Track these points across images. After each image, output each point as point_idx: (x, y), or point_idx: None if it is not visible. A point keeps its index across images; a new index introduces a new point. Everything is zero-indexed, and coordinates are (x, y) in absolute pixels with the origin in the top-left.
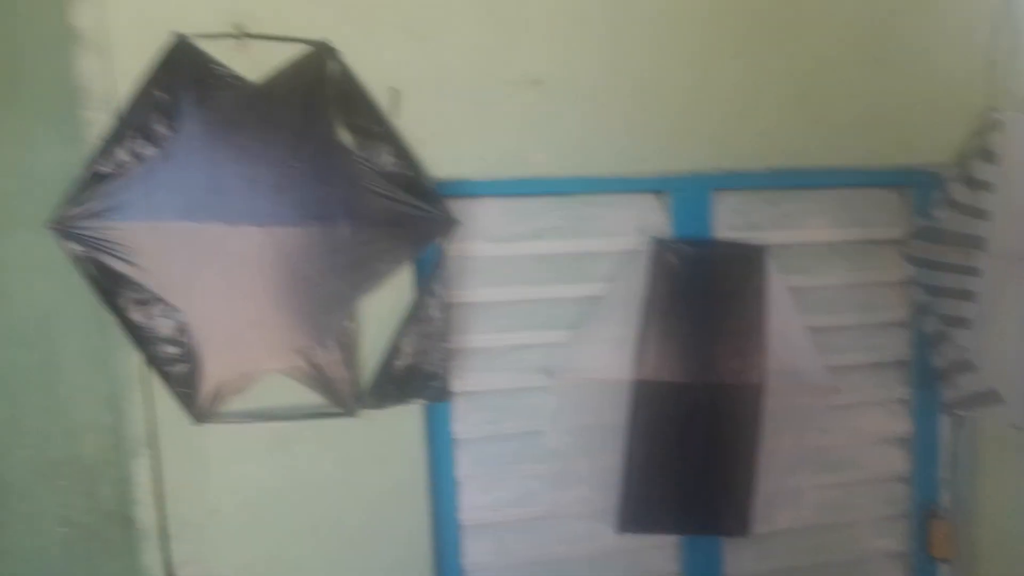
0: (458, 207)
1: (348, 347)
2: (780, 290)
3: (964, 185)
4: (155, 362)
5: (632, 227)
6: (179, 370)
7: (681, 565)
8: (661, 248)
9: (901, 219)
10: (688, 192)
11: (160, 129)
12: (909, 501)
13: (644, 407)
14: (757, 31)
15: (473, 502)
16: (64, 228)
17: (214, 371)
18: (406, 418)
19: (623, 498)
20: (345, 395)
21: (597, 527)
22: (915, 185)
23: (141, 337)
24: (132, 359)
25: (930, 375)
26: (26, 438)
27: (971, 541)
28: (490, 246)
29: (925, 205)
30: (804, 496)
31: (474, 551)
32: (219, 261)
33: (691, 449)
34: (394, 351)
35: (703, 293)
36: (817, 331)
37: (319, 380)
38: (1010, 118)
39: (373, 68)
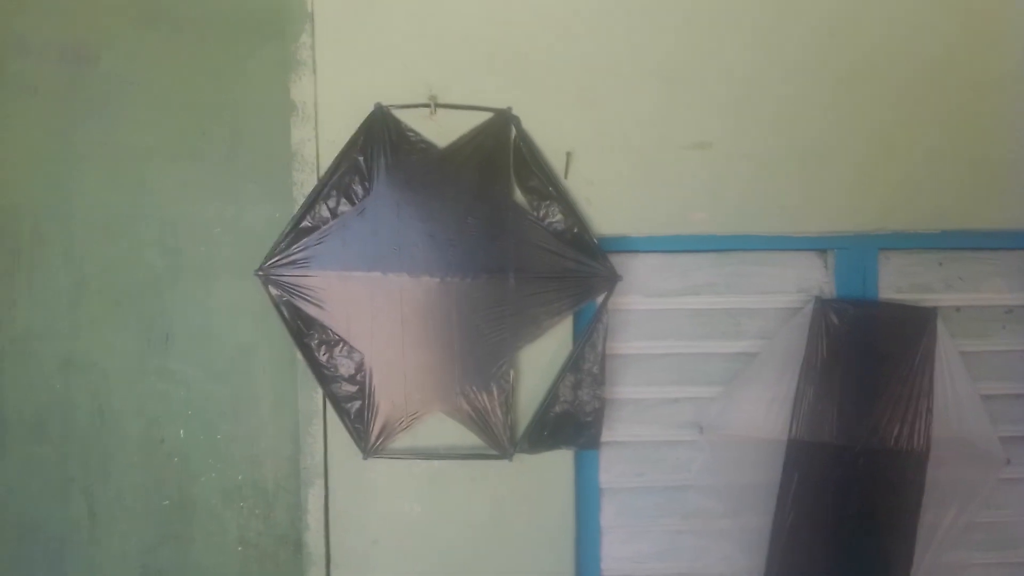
0: (617, 262)
1: (508, 393)
2: (950, 354)
3: None
4: (334, 399)
5: (792, 285)
6: (355, 407)
7: None
8: (823, 307)
9: None
10: (853, 252)
11: (356, 188)
12: None
13: (798, 468)
14: (934, 94)
15: (614, 553)
16: (267, 275)
17: (385, 409)
18: (556, 464)
19: (771, 560)
20: (502, 438)
21: None
22: None
23: (324, 375)
24: (314, 395)
25: None
26: (215, 462)
27: None
28: (646, 300)
29: None
30: (969, 573)
31: None
32: (398, 308)
33: (846, 514)
34: (551, 399)
35: (866, 354)
36: (990, 399)
37: (479, 423)
38: None
39: (548, 132)
